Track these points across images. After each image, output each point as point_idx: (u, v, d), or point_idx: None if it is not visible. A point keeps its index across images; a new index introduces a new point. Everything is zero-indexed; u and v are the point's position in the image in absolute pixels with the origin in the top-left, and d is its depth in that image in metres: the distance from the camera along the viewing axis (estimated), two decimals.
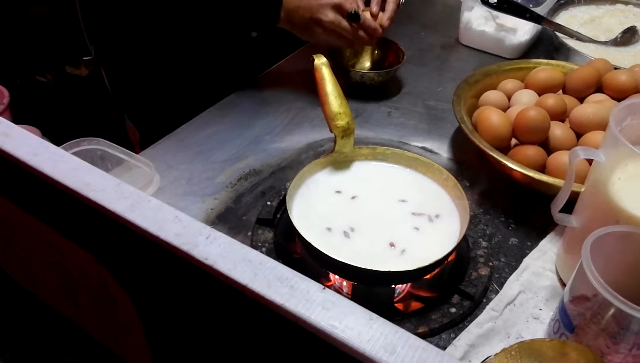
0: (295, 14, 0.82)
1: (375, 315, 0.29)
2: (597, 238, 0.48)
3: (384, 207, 0.62)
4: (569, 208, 0.58)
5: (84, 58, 2.32)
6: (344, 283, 0.59)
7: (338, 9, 0.81)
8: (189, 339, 0.39)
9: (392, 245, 0.58)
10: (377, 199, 0.63)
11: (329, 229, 0.59)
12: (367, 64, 0.98)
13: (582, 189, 0.57)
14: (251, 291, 0.30)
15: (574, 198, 0.58)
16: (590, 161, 0.55)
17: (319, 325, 0.28)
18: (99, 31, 0.99)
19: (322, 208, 0.61)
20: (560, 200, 0.56)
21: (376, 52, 0.98)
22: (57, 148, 0.40)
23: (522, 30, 0.99)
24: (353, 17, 0.82)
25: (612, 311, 0.45)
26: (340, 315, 0.29)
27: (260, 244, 0.64)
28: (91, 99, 2.12)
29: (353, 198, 0.63)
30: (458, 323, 0.56)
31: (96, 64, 1.05)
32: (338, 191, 0.64)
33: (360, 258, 0.55)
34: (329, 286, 0.33)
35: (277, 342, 0.32)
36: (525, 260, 0.62)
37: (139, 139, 1.05)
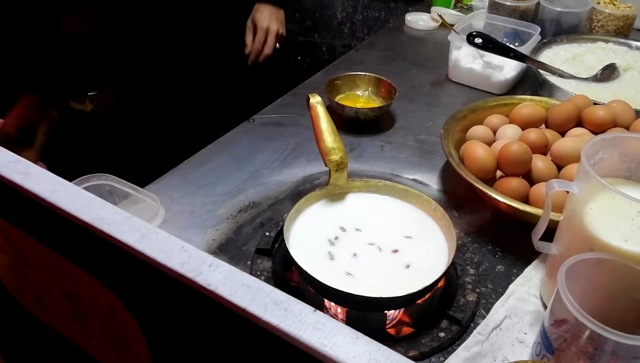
0: None
1: (360, 334, 0.32)
2: (572, 264, 0.51)
3: (375, 236, 0.65)
4: (551, 236, 0.62)
5: (89, 93, 2.39)
6: (339, 309, 0.62)
7: None
8: (192, 361, 0.43)
9: (383, 272, 0.61)
10: (368, 229, 0.66)
11: (323, 258, 0.62)
12: (361, 100, 1.03)
13: (561, 219, 0.60)
14: (249, 313, 0.33)
15: (554, 227, 0.61)
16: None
17: (310, 343, 0.32)
18: (114, 64, 1.04)
19: (318, 238, 0.65)
20: (539, 229, 0.59)
21: (370, 89, 1.03)
22: (73, 184, 0.44)
23: (508, 68, 1.04)
24: None
25: (587, 333, 0.48)
26: (329, 334, 0.32)
27: (259, 273, 0.67)
28: (96, 133, 2.18)
29: (346, 228, 0.67)
30: (447, 347, 0.59)
31: (111, 96, 1.10)
32: (333, 222, 0.67)
33: (353, 285, 0.59)
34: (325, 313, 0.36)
35: (273, 360, 0.35)
36: (511, 287, 0.66)
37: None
